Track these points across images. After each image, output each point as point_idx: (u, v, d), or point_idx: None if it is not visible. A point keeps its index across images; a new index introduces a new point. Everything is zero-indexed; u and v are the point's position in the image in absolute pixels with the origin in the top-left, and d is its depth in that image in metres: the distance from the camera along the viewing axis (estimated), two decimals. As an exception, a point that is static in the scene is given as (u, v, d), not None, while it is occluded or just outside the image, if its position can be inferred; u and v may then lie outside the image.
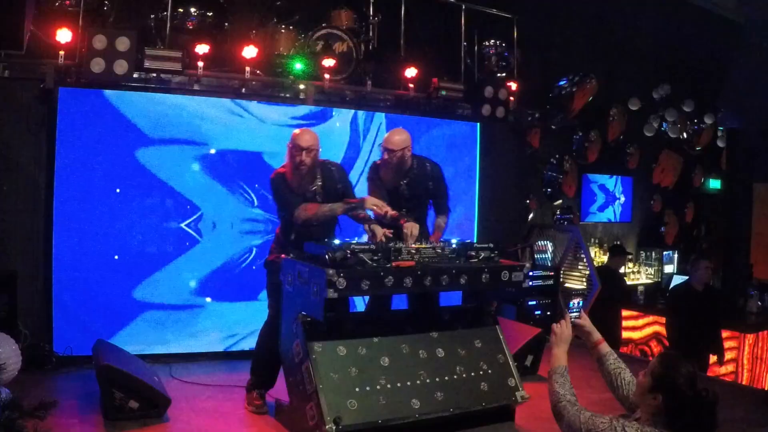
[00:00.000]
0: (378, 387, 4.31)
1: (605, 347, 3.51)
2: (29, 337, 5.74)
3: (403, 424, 4.29)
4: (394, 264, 4.34)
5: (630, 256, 10.75)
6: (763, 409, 5.62)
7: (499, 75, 8.61)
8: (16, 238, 5.96)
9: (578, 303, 3.42)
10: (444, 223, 5.54)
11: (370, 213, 5.05)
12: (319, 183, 5.04)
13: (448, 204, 5.62)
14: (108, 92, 6.13)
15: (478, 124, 7.99)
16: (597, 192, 10.81)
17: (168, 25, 6.47)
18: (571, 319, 3.44)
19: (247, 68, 6.57)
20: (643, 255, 11.70)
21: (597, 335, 3.53)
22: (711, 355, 7.47)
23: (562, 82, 9.57)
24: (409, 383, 4.43)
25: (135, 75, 6.16)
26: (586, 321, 3.54)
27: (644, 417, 2.99)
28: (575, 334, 3.48)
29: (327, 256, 4.18)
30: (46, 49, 5.95)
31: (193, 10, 6.72)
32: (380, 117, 7.36)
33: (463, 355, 4.73)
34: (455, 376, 4.61)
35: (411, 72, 7.43)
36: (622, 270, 9.51)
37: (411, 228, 4.86)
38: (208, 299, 6.48)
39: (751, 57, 8.58)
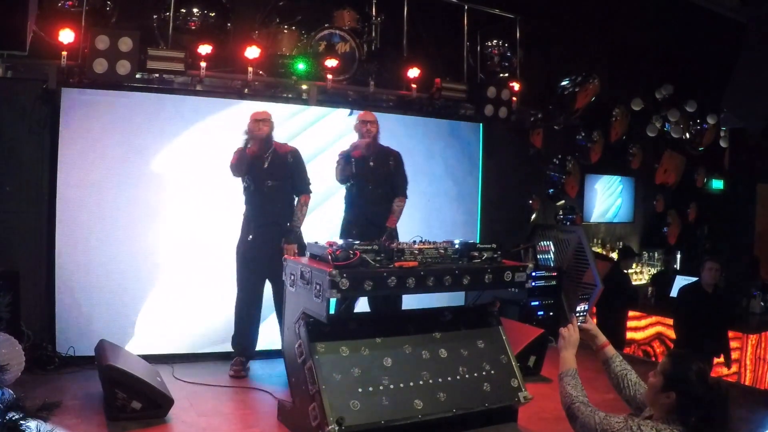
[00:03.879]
0: (381, 387, 4.31)
1: (611, 350, 3.58)
2: (32, 337, 5.73)
3: (406, 425, 4.28)
4: (396, 264, 4.34)
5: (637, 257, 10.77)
6: (766, 409, 5.61)
7: (501, 75, 8.61)
8: (19, 238, 5.95)
9: (584, 307, 3.46)
10: (399, 207, 6.19)
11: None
12: (290, 159, 5.92)
13: (405, 190, 6.25)
14: (111, 93, 6.13)
15: (481, 124, 7.98)
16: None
17: (170, 25, 6.49)
18: (578, 322, 3.49)
19: (250, 69, 6.56)
20: (646, 255, 11.71)
21: (602, 338, 3.60)
22: (716, 357, 7.45)
23: (564, 82, 9.57)
24: (411, 384, 4.42)
25: (138, 75, 6.16)
26: (591, 325, 3.61)
27: (657, 415, 3.04)
28: (581, 338, 3.52)
29: (330, 257, 4.17)
30: (49, 50, 5.95)
31: (195, 10, 6.73)
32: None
33: (466, 355, 4.73)
34: (458, 377, 4.60)
35: (414, 72, 7.43)
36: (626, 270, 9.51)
37: (288, 249, 5.65)
38: (213, 298, 6.47)
39: (754, 57, 8.56)
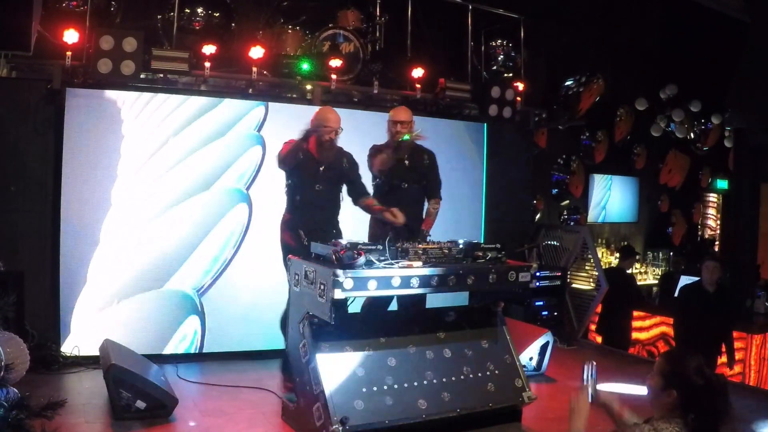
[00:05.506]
0: (385, 387, 4.31)
1: (630, 415, 3.30)
2: (36, 336, 5.73)
3: (410, 425, 4.28)
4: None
5: (638, 256, 10.76)
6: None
7: (505, 75, 8.61)
8: (24, 238, 5.97)
9: (592, 372, 3.18)
10: (435, 210, 5.88)
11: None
12: (346, 164, 5.48)
13: (440, 192, 5.94)
14: (115, 93, 6.14)
15: (485, 124, 7.97)
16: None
17: (175, 25, 6.52)
18: (589, 397, 3.27)
19: (254, 69, 6.58)
20: (650, 255, 11.69)
21: (616, 406, 3.35)
22: (719, 357, 7.42)
23: (568, 82, 9.57)
24: (415, 384, 4.42)
25: (142, 75, 6.19)
26: (604, 397, 3.35)
27: (658, 415, 3.04)
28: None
29: (334, 256, 4.17)
30: (54, 50, 5.97)
31: (199, 10, 6.75)
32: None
33: (470, 355, 4.72)
34: (462, 377, 4.60)
35: (418, 72, 7.42)
36: (629, 270, 9.50)
37: (394, 211, 5.27)
38: (215, 299, 6.47)
39: (759, 56, 8.56)
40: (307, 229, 5.25)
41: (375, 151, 5.75)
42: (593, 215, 11.00)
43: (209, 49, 6.35)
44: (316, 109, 5.66)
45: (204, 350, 6.38)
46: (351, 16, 7.56)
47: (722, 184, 13.07)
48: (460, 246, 4.74)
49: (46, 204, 6.02)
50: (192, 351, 6.34)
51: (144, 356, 5.50)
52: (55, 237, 5.98)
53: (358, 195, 5.52)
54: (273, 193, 5.90)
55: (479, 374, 4.67)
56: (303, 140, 5.22)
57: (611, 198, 11.21)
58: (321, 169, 5.36)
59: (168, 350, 6.25)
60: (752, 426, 5.13)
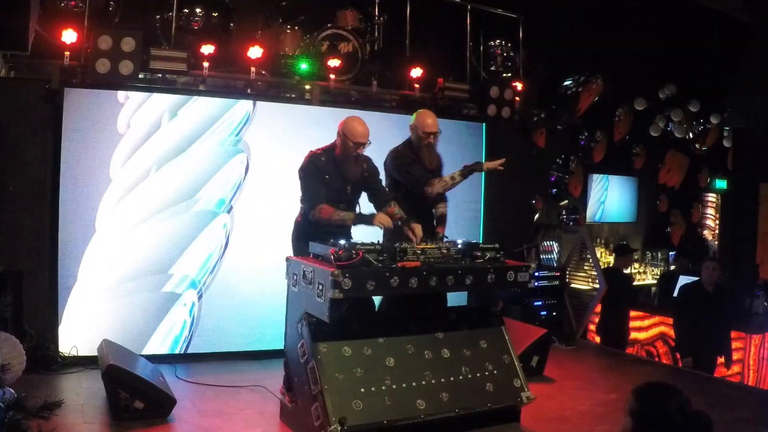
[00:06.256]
0: (383, 387, 4.30)
1: None
2: (35, 337, 5.74)
3: (409, 425, 4.27)
4: (399, 264, 4.33)
5: (636, 252, 10.73)
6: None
7: (504, 75, 8.60)
8: (22, 238, 5.96)
9: None
10: (446, 210, 5.63)
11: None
12: (365, 172, 5.15)
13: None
14: (113, 93, 6.13)
15: (484, 124, 7.97)
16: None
17: (173, 25, 6.51)
18: None
19: (253, 68, 6.58)
20: (649, 255, 11.68)
21: None
22: (718, 357, 7.42)
23: (567, 82, 9.56)
24: (414, 384, 4.41)
25: (140, 75, 6.18)
26: None
27: None
28: None
29: (332, 256, 4.17)
30: (52, 50, 5.96)
31: (198, 10, 6.75)
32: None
33: (469, 355, 4.72)
34: (460, 377, 4.60)
35: (416, 72, 7.43)
36: (627, 270, 9.49)
37: (416, 228, 4.90)
38: (214, 297, 6.47)
39: (758, 57, 8.58)
40: (320, 240, 4.70)
41: (408, 161, 5.41)
42: (592, 215, 11.00)
43: (208, 49, 6.35)
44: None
45: (202, 350, 6.38)
46: (350, 16, 7.56)
47: (721, 184, 13.07)
48: (459, 246, 4.75)
49: (44, 204, 6.01)
50: (187, 349, 6.35)
51: (142, 356, 5.49)
52: (54, 237, 5.97)
53: (382, 203, 5.15)
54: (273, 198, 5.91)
55: (478, 374, 4.67)
56: (347, 217, 4.92)
57: (609, 198, 11.21)
58: (348, 189, 5.09)
59: (165, 349, 6.25)
60: (752, 427, 5.13)
